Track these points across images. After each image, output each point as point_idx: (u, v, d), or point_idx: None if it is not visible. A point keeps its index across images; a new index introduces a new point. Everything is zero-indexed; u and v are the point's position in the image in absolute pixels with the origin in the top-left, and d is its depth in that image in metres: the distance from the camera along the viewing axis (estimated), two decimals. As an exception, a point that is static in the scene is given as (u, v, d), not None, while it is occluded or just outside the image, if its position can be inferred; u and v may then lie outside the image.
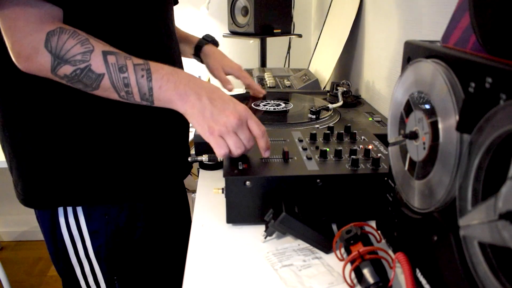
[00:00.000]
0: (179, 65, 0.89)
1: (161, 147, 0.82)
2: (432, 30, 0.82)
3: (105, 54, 0.62)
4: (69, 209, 0.77)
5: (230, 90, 1.02)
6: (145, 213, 0.83)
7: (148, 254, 0.86)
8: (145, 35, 0.75)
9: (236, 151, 0.64)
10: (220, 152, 0.64)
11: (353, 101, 1.09)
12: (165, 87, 0.64)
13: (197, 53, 1.04)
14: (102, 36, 0.65)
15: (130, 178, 0.78)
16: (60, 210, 0.76)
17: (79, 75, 0.62)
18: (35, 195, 0.75)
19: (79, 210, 0.77)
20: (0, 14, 0.60)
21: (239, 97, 1.14)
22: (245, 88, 1.15)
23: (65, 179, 0.74)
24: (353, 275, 0.50)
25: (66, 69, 0.62)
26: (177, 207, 0.98)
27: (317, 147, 0.70)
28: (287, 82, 1.35)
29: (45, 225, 0.79)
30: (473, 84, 0.35)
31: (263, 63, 1.87)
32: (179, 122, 0.86)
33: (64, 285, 0.86)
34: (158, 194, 0.85)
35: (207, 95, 0.65)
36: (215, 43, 1.06)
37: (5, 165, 0.82)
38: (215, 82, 1.08)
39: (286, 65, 2.09)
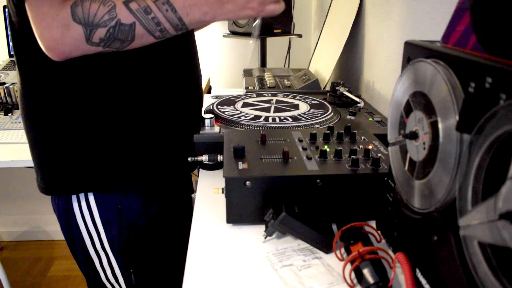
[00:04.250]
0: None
1: (173, 139, 0.83)
2: (432, 30, 0.82)
3: (126, 3, 0.64)
4: (82, 197, 0.78)
5: None
6: (158, 205, 0.84)
7: (162, 247, 0.87)
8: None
9: (264, 7, 0.70)
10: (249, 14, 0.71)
11: (353, 101, 1.09)
12: (191, 13, 0.68)
13: None
14: None
15: (143, 167, 0.79)
16: (74, 197, 0.78)
17: (113, 33, 0.64)
18: (52, 181, 0.77)
19: (91, 199, 0.77)
20: (27, 4, 0.62)
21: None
22: None
23: (80, 165, 0.75)
24: (353, 275, 0.50)
25: (100, 33, 0.63)
26: (185, 201, 1.00)
27: (317, 147, 0.70)
28: (287, 82, 1.35)
29: (60, 215, 0.80)
30: (473, 84, 0.35)
31: (263, 63, 1.87)
32: (191, 114, 0.87)
33: (88, 282, 0.87)
34: (170, 186, 0.86)
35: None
36: None
37: (6, 165, 0.83)
38: (215, 82, 1.07)
39: (286, 65, 2.09)
